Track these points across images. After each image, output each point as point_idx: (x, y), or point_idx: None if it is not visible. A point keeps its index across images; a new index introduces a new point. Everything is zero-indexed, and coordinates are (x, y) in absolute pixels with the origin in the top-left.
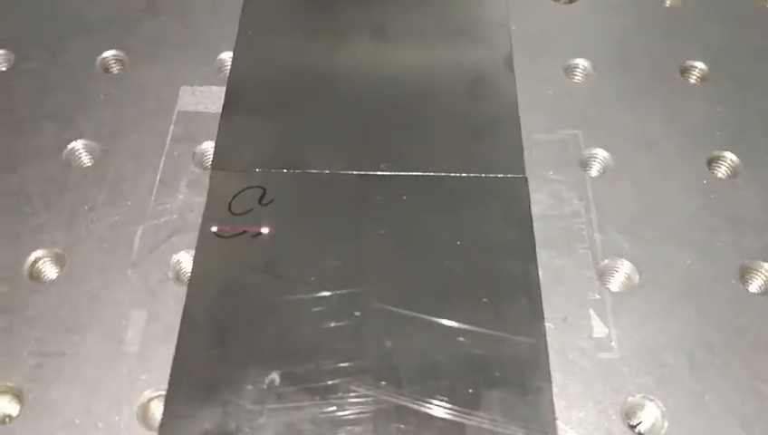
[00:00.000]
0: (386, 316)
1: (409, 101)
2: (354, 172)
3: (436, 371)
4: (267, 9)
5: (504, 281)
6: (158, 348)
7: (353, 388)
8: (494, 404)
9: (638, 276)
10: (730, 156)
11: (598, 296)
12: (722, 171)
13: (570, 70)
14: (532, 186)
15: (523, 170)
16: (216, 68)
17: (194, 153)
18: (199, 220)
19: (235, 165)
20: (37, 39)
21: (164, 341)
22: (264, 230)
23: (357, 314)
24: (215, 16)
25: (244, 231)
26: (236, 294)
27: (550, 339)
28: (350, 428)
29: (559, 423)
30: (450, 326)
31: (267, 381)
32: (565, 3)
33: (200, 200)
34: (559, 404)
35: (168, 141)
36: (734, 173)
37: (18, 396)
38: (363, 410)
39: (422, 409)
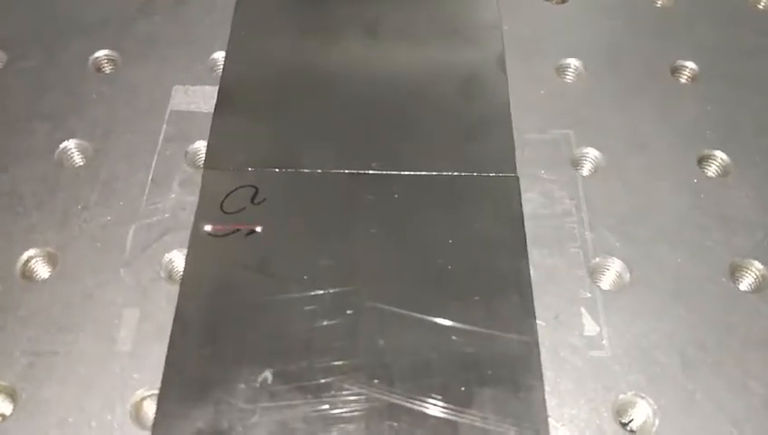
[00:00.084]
0: (378, 315)
1: (401, 100)
2: (346, 171)
3: (428, 369)
4: (260, 9)
5: (495, 279)
6: (150, 347)
7: (346, 386)
8: (486, 402)
9: (628, 275)
10: (720, 155)
11: (589, 295)
12: (712, 170)
13: (561, 70)
14: (523, 185)
15: (514, 169)
16: (208, 67)
17: (186, 152)
18: (192, 219)
19: (228, 164)
20: (30, 39)
21: (156, 340)
22: (257, 229)
23: (349, 312)
24: (207, 16)
25: (237, 230)
26: (229, 292)
27: (541, 337)
28: (342, 426)
29: (550, 421)
30: (442, 324)
31: (260, 379)
32: (557, 3)
33: (192, 199)
34: (550, 402)
35: (160, 141)
36: (724, 172)
37: (11, 395)
38: (356, 409)
39: (414, 407)
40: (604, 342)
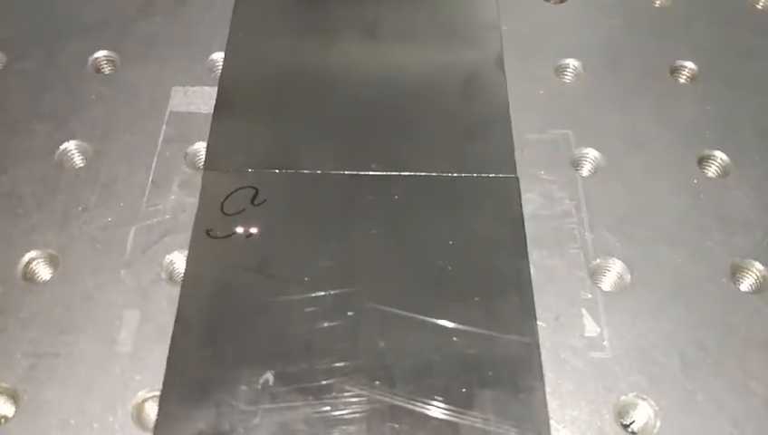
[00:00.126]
0: (379, 316)
1: (401, 101)
2: (346, 172)
3: (429, 370)
4: (258, 10)
5: (495, 280)
6: (151, 348)
7: (347, 388)
8: (487, 403)
9: (629, 276)
10: (720, 155)
11: (590, 296)
12: (712, 171)
13: (560, 70)
14: (523, 186)
15: (514, 170)
16: (207, 68)
17: (186, 154)
18: (192, 221)
19: (228, 165)
20: (30, 40)
21: (157, 341)
22: (257, 230)
23: (350, 313)
24: (207, 17)
25: (237, 231)
26: (230, 294)
27: (542, 338)
28: (344, 427)
29: (552, 422)
30: (443, 326)
31: (261, 381)
32: (555, 3)
33: (192, 201)
34: (552, 403)
35: (159, 142)
36: (724, 172)
37: (13, 397)
38: (357, 410)
39: (416, 408)
40: (605, 343)
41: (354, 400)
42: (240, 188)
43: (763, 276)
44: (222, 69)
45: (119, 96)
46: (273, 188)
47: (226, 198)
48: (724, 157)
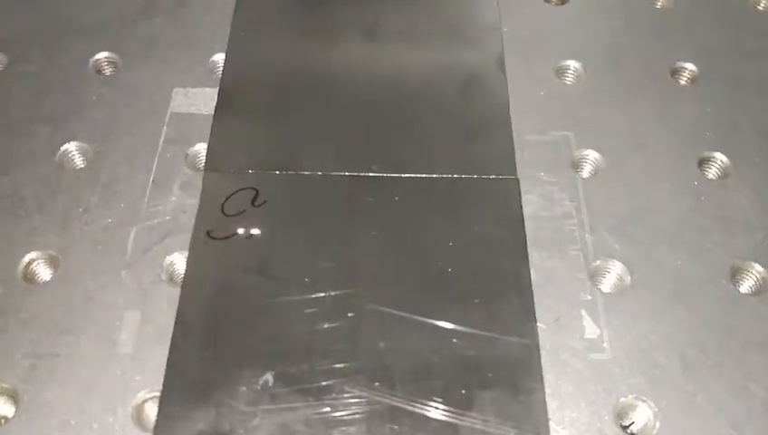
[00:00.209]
0: (379, 317)
1: (401, 102)
2: (347, 173)
3: (429, 371)
4: (259, 10)
5: (496, 282)
6: (151, 349)
7: (347, 389)
8: (486, 405)
9: (629, 277)
10: (720, 157)
11: (589, 297)
12: (712, 172)
13: (561, 71)
14: (523, 187)
15: (514, 172)
16: (208, 69)
17: (186, 155)
18: (192, 222)
19: (228, 166)
20: (31, 41)
21: (157, 342)
22: (258, 231)
23: (350, 315)
24: (207, 18)
25: (238, 232)
26: (230, 295)
27: (542, 340)
28: (343, 428)
29: (551, 424)
30: (443, 327)
31: (261, 381)
32: (556, 4)
33: (193, 202)
34: (551, 405)
35: (160, 143)
36: (724, 174)
37: (13, 397)
38: (357, 411)
39: (415, 409)
40: (605, 344)
41: (354, 401)
42: (240, 190)
43: (763, 278)
44: (223, 70)
45: (119, 97)
46: (273, 189)
47: (227, 199)
48: (725, 158)
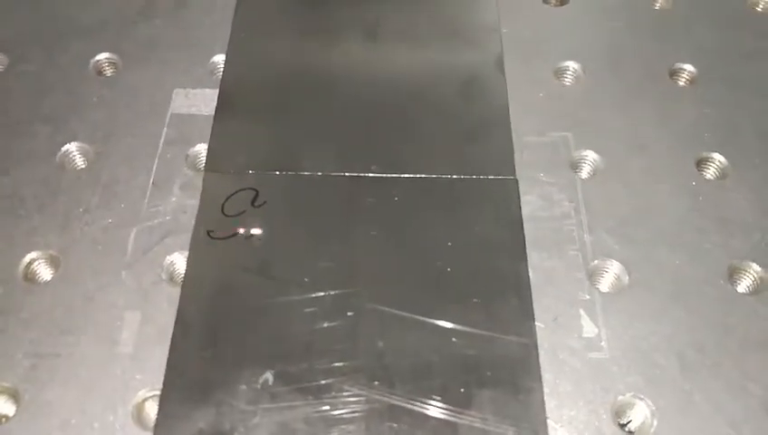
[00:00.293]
0: (378, 317)
1: (401, 102)
2: (346, 174)
3: (428, 370)
4: (260, 11)
5: (495, 282)
6: (151, 349)
7: (346, 387)
8: (485, 403)
9: (627, 277)
10: (719, 158)
11: (588, 297)
12: (710, 173)
13: (560, 72)
14: (522, 187)
15: (513, 172)
16: (208, 70)
17: (187, 155)
18: (192, 222)
19: (228, 167)
20: (32, 42)
21: (158, 342)
22: (258, 232)
23: (350, 314)
24: (208, 19)
25: (238, 232)
26: (230, 295)
27: (540, 339)
28: (343, 427)
29: (549, 422)
30: (442, 326)
31: (261, 380)
32: (556, 5)
33: (193, 202)
34: (549, 403)
35: (161, 144)
36: (722, 175)
37: (14, 397)
38: (356, 410)
39: (414, 408)
40: (603, 343)
41: (353, 399)
42: (241, 190)
43: (761, 278)
44: (223, 71)
45: (120, 98)
46: (273, 189)
47: (227, 199)
48: (723, 159)
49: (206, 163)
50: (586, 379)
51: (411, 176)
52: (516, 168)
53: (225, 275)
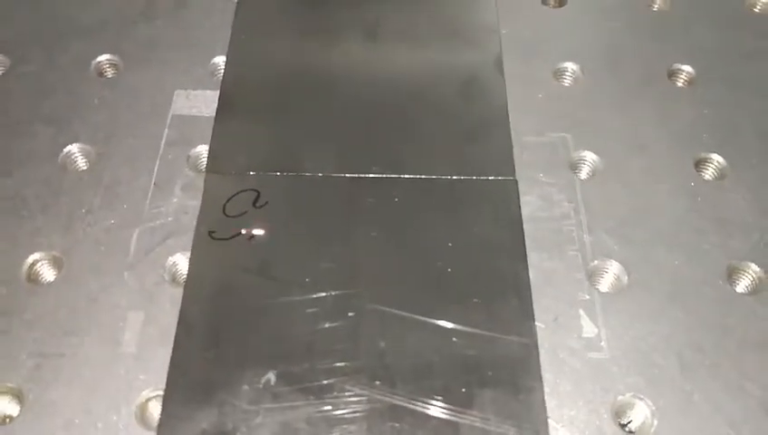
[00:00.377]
0: (380, 317)
1: (401, 103)
2: (347, 175)
3: (429, 370)
4: (260, 12)
5: (495, 282)
6: (154, 349)
7: (348, 387)
8: (486, 403)
9: (627, 277)
10: (717, 158)
11: (587, 297)
12: (709, 173)
13: (559, 73)
14: (522, 188)
15: (513, 173)
16: (209, 72)
17: (188, 156)
18: (194, 223)
19: (230, 168)
20: (33, 43)
21: (161, 342)
22: (259, 232)
23: (351, 314)
24: (208, 20)
25: (239, 233)
26: (232, 295)
27: (541, 339)
28: (345, 426)
29: (550, 422)
30: (443, 327)
31: (263, 380)
32: (554, 6)
33: (195, 203)
34: (550, 403)
35: (162, 145)
36: (721, 175)
37: (18, 397)
38: (358, 410)
39: (416, 408)
40: (603, 343)
41: (355, 399)
42: (242, 191)
43: (759, 278)
44: (224, 72)
45: (121, 100)
46: (274, 190)
47: (228, 200)
48: (721, 160)
49: (207, 164)
50: (586, 379)
51: (411, 177)
52: (516, 168)
53: (227, 275)
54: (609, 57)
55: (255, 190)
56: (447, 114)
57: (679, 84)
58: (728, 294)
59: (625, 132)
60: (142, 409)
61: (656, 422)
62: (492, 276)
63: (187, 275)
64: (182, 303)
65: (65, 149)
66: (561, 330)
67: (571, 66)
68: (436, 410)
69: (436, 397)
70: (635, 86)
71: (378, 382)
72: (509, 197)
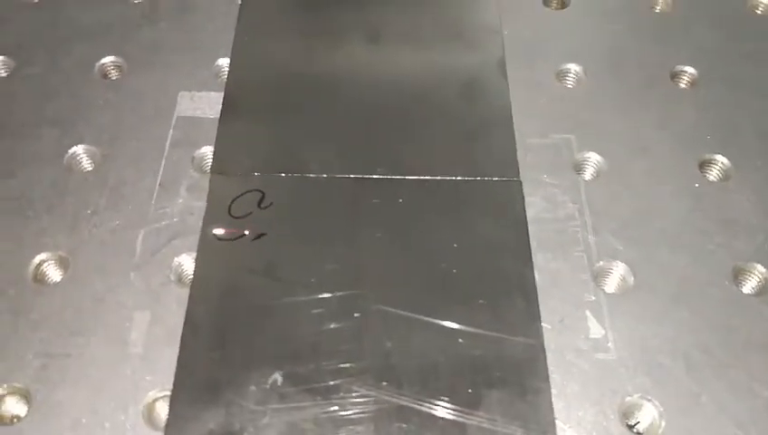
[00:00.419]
0: (385, 318)
1: (405, 104)
2: (352, 176)
3: (435, 371)
4: (263, 14)
5: (500, 283)
6: (161, 349)
7: (354, 388)
8: (493, 404)
9: (632, 278)
10: (721, 159)
11: (593, 298)
12: (713, 175)
13: (562, 74)
14: (526, 189)
15: (517, 174)
16: (213, 73)
17: (193, 158)
18: (200, 224)
19: (234, 169)
20: (37, 45)
21: (167, 342)
22: (264, 233)
23: (356, 315)
24: (211, 22)
25: (244, 234)
26: (237, 296)
27: (547, 340)
28: (351, 427)
29: (558, 423)
30: (449, 327)
31: (270, 381)
32: (557, 8)
33: (200, 204)
34: (557, 404)
35: (167, 146)
36: (725, 176)
37: (26, 397)
38: (364, 410)
39: (423, 408)
40: (609, 344)
41: (362, 400)
42: (247, 192)
43: (765, 279)
44: (228, 74)
45: (126, 101)
46: (279, 191)
47: (233, 201)
48: (726, 161)
49: (212, 165)
50: (593, 380)
51: (416, 178)
52: (520, 169)
53: (233, 276)
54: (612, 59)
55: (260, 191)
56: (451, 115)
57: (682, 86)
58: (734, 294)
59: (629, 133)
60: (149, 409)
61: (663, 423)
62: (497, 277)
63: (193, 275)
64: (188, 303)
65: (70, 151)
66: (568, 331)
67: (573, 68)
68: (443, 410)
69: (442, 398)
70: (638, 87)
71: (384, 383)
72: (514, 198)
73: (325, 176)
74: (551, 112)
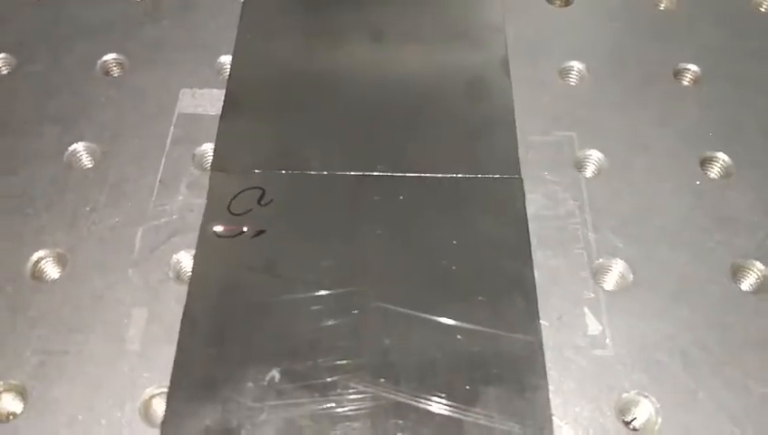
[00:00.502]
0: (384, 314)
1: (406, 102)
2: (352, 173)
3: (433, 368)
4: (265, 13)
5: (499, 280)
6: (159, 346)
7: (352, 385)
8: (491, 401)
9: (631, 275)
10: (722, 157)
11: (592, 295)
12: (714, 172)
13: (564, 72)
14: (527, 186)
15: (518, 171)
16: (215, 71)
17: (193, 155)
18: (199, 221)
19: (235, 166)
20: (39, 42)
21: (165, 339)
22: (264, 230)
23: (355, 312)
24: (214, 20)
25: (244, 231)
26: (236, 293)
27: (545, 337)
28: (348, 424)
29: (554, 419)
30: (447, 324)
31: (268, 377)
32: (560, 6)
33: (200, 201)
34: (554, 401)
35: (167, 143)
36: (726, 174)
37: (22, 394)
38: (362, 407)
39: (420, 405)
40: (607, 341)
41: (359, 396)
42: (247, 189)
43: (765, 276)
44: (230, 71)
45: (127, 98)
46: (279, 188)
47: (233, 198)
48: (726, 158)
49: (212, 162)
50: (591, 376)
51: (416, 175)
52: (521, 167)
53: (232, 273)
54: (615, 56)
55: (260, 188)
56: (453, 113)
57: (685, 83)
58: (733, 292)
59: (630, 131)
60: (146, 406)
61: (660, 420)
62: (497, 274)
63: (192, 272)
64: (186, 300)
65: (71, 148)
66: (566, 328)
67: (576, 65)
68: (441, 407)
69: (440, 394)
70: (641, 85)
71: (382, 380)
72: (514, 195)
73: (325, 173)
74: (553, 110)
